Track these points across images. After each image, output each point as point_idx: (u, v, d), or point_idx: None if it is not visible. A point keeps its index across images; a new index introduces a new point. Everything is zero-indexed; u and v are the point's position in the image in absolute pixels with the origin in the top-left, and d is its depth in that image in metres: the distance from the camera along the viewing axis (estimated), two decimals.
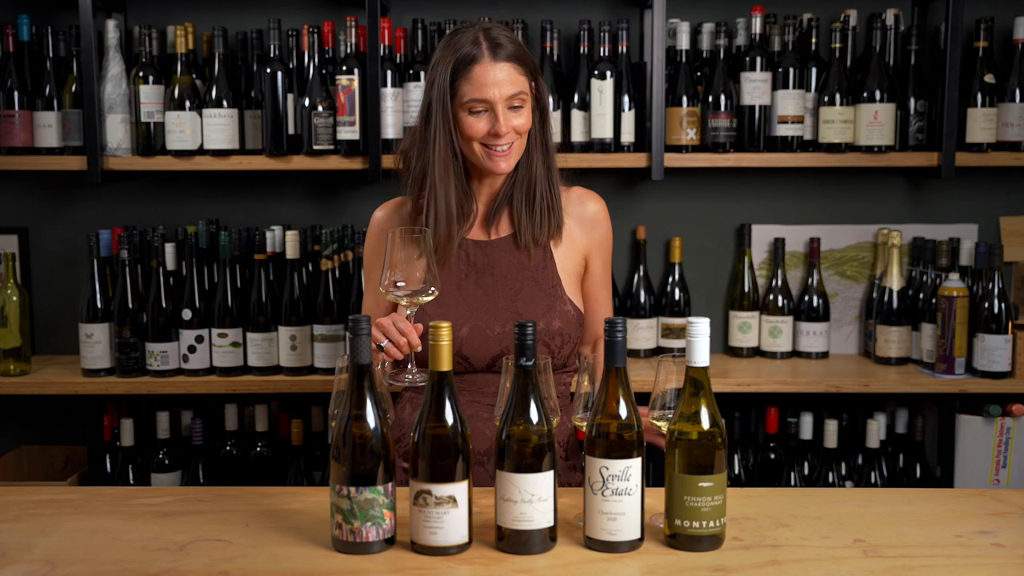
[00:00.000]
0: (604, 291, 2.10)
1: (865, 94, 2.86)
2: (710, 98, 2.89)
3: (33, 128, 2.90)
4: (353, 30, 2.84)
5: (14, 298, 2.89)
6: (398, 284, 1.77)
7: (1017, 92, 2.87)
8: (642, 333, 3.04)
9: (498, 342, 1.94)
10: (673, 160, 2.87)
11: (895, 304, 2.95)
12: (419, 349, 1.79)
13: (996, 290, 2.79)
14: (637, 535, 1.55)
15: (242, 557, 1.54)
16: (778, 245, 3.06)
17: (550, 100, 2.84)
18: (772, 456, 2.96)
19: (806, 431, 2.90)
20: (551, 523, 1.55)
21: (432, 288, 1.78)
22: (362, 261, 2.87)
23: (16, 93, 2.88)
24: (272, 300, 2.86)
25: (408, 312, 1.80)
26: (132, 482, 2.93)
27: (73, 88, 2.91)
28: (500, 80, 1.88)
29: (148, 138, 2.89)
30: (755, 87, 2.88)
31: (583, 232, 2.04)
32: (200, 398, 3.04)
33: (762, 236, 3.12)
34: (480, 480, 1.87)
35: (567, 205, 2.04)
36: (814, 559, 1.54)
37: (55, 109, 2.90)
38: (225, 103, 2.83)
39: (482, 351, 1.95)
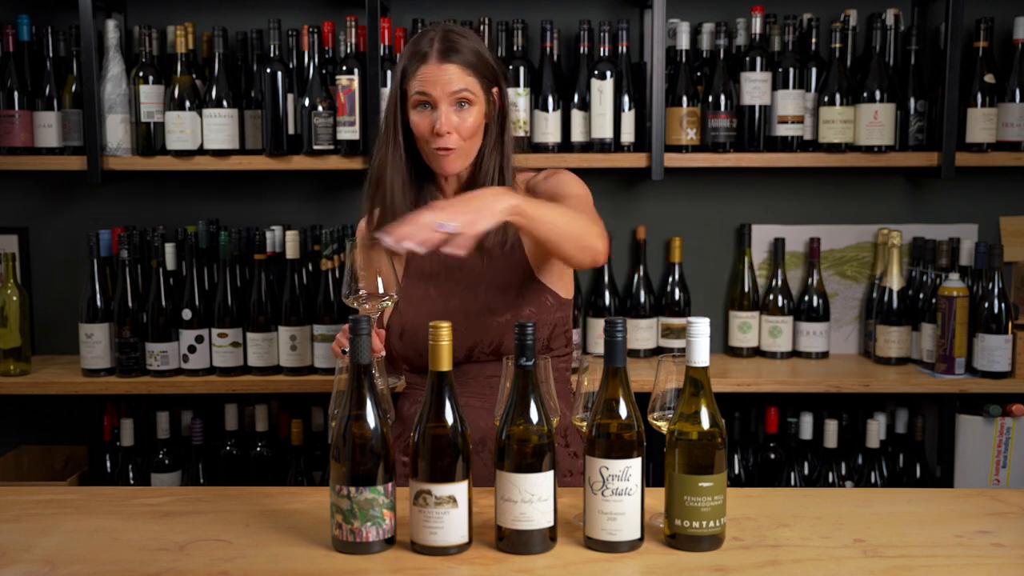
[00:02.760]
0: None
1: (865, 94, 2.86)
2: (710, 98, 2.89)
3: (33, 128, 2.90)
4: (353, 30, 2.84)
5: (14, 298, 2.89)
6: (359, 291, 1.78)
7: (1017, 92, 2.87)
8: (642, 333, 3.04)
9: (468, 335, 1.96)
10: (673, 160, 2.87)
11: (895, 304, 2.95)
12: (383, 354, 1.81)
13: (996, 290, 2.79)
14: (637, 535, 1.55)
15: (242, 557, 1.54)
16: (778, 245, 3.06)
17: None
18: (772, 456, 2.96)
19: (806, 431, 2.91)
20: (551, 523, 1.55)
21: (391, 293, 1.80)
22: None
23: (16, 93, 2.88)
24: (272, 300, 2.86)
25: (372, 317, 1.81)
26: (132, 482, 2.93)
27: (73, 88, 2.91)
28: (445, 79, 1.89)
29: (148, 138, 2.89)
30: (755, 87, 2.88)
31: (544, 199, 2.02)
32: (200, 398, 3.04)
33: (762, 236, 3.13)
34: (475, 470, 1.87)
35: (536, 186, 2.03)
36: (814, 559, 1.54)
37: (55, 109, 2.90)
38: (225, 103, 2.84)
39: (458, 343, 1.95)
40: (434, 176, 2.02)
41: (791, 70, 2.88)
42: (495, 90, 1.97)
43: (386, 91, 2.81)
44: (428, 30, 1.95)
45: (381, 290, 1.79)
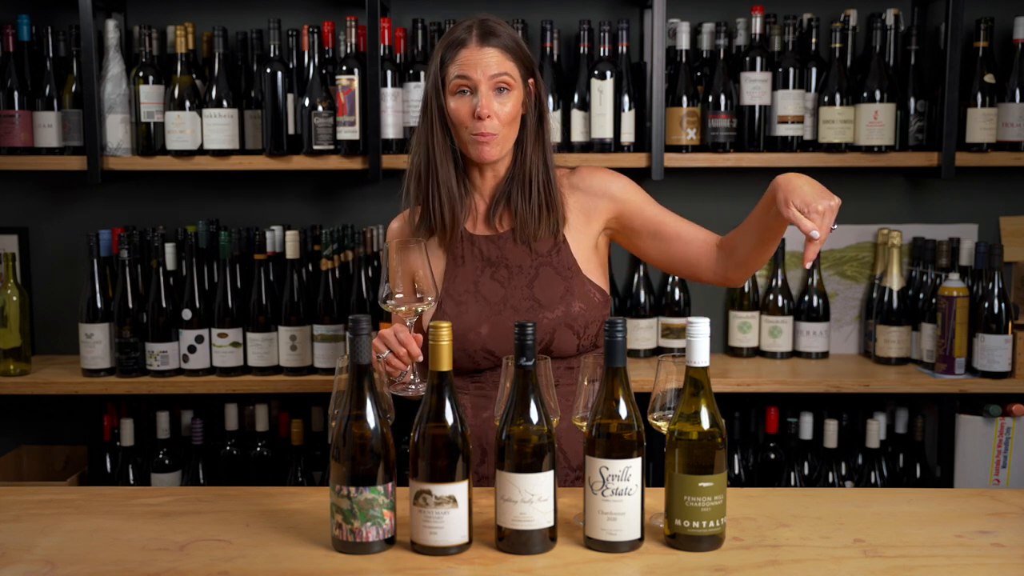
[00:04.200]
0: (669, 215, 2.06)
1: (865, 94, 2.86)
2: (710, 98, 2.89)
3: (33, 128, 2.90)
4: (353, 30, 2.84)
5: (14, 298, 2.89)
6: (396, 295, 1.78)
7: (1017, 92, 2.87)
8: (642, 333, 3.04)
9: None
10: (673, 160, 2.87)
11: (895, 304, 2.95)
12: (420, 359, 1.80)
13: (996, 290, 2.79)
14: (637, 535, 1.55)
15: (242, 557, 1.55)
16: (778, 245, 3.06)
17: (549, 101, 2.85)
18: (772, 456, 2.96)
19: (806, 431, 2.91)
20: (551, 523, 1.55)
21: (429, 297, 1.79)
22: (362, 261, 2.88)
23: (16, 93, 2.88)
24: (272, 300, 2.86)
25: (408, 322, 1.81)
26: (132, 482, 2.93)
27: (73, 88, 2.91)
28: (485, 62, 1.89)
29: (148, 138, 2.89)
30: (755, 87, 2.88)
31: (599, 200, 2.03)
32: (200, 398, 3.04)
33: None
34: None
35: (578, 183, 2.04)
36: (814, 559, 1.54)
37: (55, 109, 2.90)
38: (225, 103, 2.84)
39: (505, 343, 1.94)
40: (467, 169, 2.01)
41: (791, 70, 2.88)
42: (531, 80, 1.97)
43: (387, 91, 2.81)
44: (462, 21, 1.95)
45: (418, 294, 1.78)
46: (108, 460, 2.96)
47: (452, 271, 2.00)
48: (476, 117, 1.89)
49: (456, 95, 1.91)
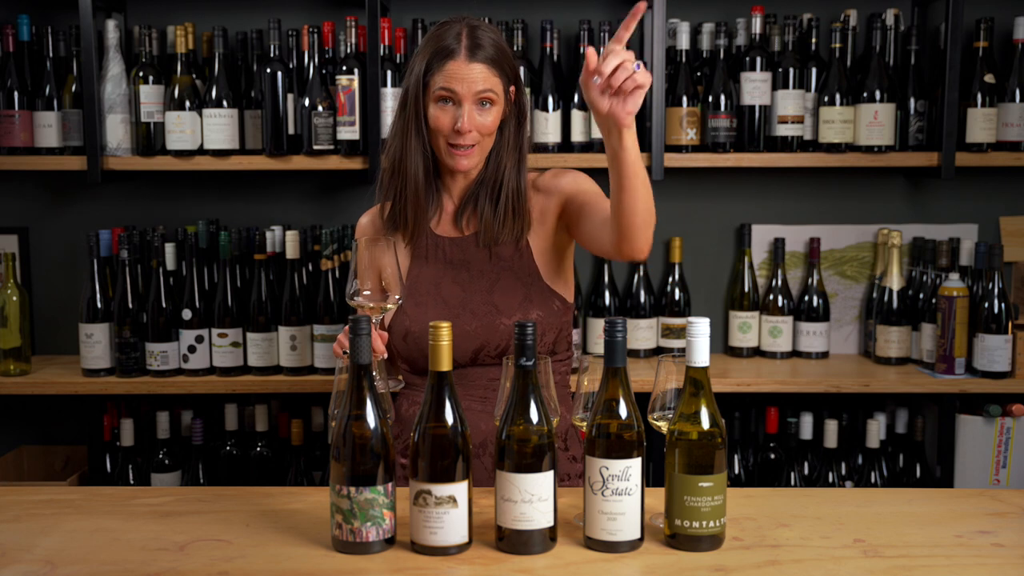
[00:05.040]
0: (595, 198, 1.96)
1: (865, 94, 2.86)
2: (710, 98, 2.89)
3: (33, 128, 2.90)
4: (353, 30, 2.84)
5: (14, 298, 2.89)
6: (363, 292, 1.78)
7: (1017, 92, 2.87)
8: (642, 333, 3.04)
9: (475, 336, 1.96)
10: (673, 160, 2.87)
11: (895, 304, 2.95)
12: (384, 356, 1.80)
13: (996, 290, 2.79)
14: (637, 535, 1.55)
15: (242, 557, 1.55)
16: (778, 245, 3.06)
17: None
18: (772, 456, 2.96)
19: (806, 431, 2.91)
20: (551, 523, 1.55)
21: (396, 296, 1.79)
22: None
23: (16, 93, 2.88)
24: (272, 300, 2.86)
25: (374, 319, 1.81)
26: (132, 482, 2.93)
27: (73, 88, 2.91)
28: (472, 78, 1.89)
29: (148, 138, 2.89)
30: (755, 87, 2.88)
31: (550, 198, 2.01)
32: (200, 398, 3.04)
33: (762, 236, 3.12)
34: (476, 473, 1.88)
35: (541, 186, 2.03)
36: (814, 559, 1.54)
37: (55, 109, 2.90)
38: (225, 103, 2.84)
39: (462, 346, 1.96)
40: (439, 169, 2.01)
41: (791, 70, 2.88)
42: (512, 88, 1.97)
43: (387, 91, 2.81)
44: (452, 24, 1.94)
45: (385, 292, 1.78)
46: (108, 460, 2.96)
47: (415, 270, 2.01)
48: (457, 131, 1.90)
49: (438, 103, 1.91)
